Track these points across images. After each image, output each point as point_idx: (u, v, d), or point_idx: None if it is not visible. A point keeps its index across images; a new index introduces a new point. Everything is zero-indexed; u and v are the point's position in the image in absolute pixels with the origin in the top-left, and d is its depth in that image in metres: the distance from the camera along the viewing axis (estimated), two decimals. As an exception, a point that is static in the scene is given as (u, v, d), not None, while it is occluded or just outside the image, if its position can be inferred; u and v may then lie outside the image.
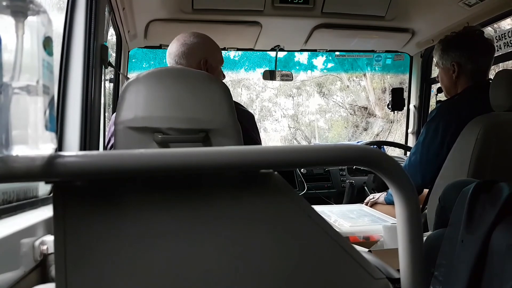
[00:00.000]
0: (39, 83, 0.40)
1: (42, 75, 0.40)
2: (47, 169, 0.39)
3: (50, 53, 0.42)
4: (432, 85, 2.55)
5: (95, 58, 1.16)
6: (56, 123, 1.06)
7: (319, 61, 7.53)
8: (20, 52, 0.39)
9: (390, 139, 7.60)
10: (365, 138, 8.48)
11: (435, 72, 2.60)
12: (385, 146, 2.61)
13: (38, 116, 0.40)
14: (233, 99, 1.15)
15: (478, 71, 1.56)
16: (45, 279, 0.75)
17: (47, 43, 0.41)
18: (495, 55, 1.88)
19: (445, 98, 1.70)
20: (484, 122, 1.28)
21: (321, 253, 0.49)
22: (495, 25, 3.25)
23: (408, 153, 2.55)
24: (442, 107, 1.54)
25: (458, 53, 1.56)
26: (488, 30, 2.71)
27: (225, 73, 1.49)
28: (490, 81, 1.36)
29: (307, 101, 9.35)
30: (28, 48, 0.40)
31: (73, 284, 0.41)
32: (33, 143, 0.40)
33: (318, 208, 1.83)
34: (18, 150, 0.39)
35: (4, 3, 0.39)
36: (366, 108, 8.82)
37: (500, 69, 2.14)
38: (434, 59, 1.70)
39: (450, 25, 2.03)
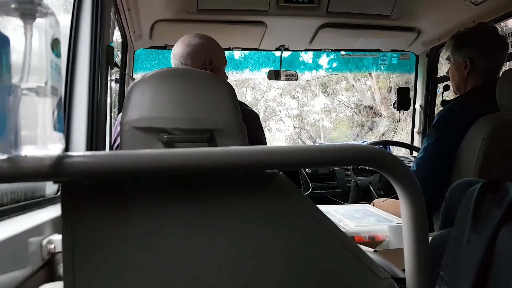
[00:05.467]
0: (47, 84, 0.41)
1: (51, 76, 0.41)
2: (56, 169, 0.39)
3: (58, 54, 0.42)
4: (438, 84, 2.53)
5: (101, 58, 1.16)
6: (63, 123, 1.07)
7: (324, 60, 7.50)
8: (28, 54, 0.40)
9: (396, 139, 7.57)
10: (371, 138, 8.44)
11: (441, 71, 2.59)
12: (390, 146, 2.59)
13: (47, 116, 0.40)
14: (238, 99, 1.15)
15: (490, 68, 1.53)
16: (52, 278, 0.76)
17: (55, 44, 0.42)
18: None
19: (450, 98, 1.69)
20: (490, 121, 1.28)
21: (326, 253, 0.49)
22: (502, 24, 3.22)
23: (414, 152, 2.54)
24: (448, 109, 1.52)
25: (471, 49, 1.54)
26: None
27: (229, 73, 1.50)
28: (498, 81, 1.35)
29: (312, 100, 9.34)
30: (37, 49, 0.40)
31: (81, 282, 0.42)
32: (41, 144, 0.40)
33: (323, 208, 1.83)
34: (27, 150, 0.39)
35: (13, 6, 0.39)
36: (372, 107, 8.79)
37: (508, 68, 2.13)
38: (445, 54, 1.67)
39: (456, 24, 2.01)
